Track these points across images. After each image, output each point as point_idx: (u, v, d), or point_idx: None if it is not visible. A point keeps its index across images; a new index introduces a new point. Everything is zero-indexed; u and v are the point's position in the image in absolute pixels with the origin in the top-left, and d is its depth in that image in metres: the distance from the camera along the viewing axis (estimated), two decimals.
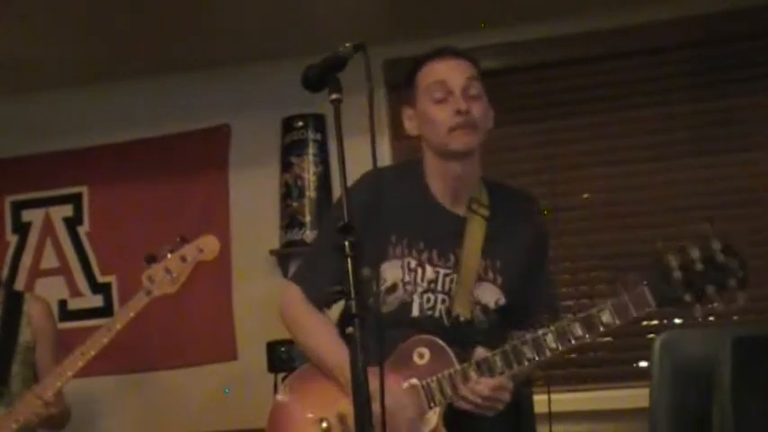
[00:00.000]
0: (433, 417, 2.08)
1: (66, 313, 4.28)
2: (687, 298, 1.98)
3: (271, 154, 4.22)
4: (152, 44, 4.04)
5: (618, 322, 2.02)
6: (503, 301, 2.24)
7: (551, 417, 3.33)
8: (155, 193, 4.36)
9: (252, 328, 4.01)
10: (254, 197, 4.24)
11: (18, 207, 4.53)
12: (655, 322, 3.96)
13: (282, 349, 3.58)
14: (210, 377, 4.14)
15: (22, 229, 4.50)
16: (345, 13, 3.80)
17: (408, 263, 2.20)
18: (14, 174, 4.51)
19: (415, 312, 2.19)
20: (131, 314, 2.73)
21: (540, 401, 3.33)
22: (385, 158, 4.08)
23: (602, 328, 2.03)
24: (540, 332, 2.06)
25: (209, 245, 2.75)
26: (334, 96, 1.76)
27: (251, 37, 4.01)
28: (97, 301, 4.37)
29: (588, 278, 4.05)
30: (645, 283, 2.02)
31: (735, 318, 3.94)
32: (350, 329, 1.65)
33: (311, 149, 4.13)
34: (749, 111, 3.93)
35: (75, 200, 4.47)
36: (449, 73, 2.22)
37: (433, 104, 2.22)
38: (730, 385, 2.15)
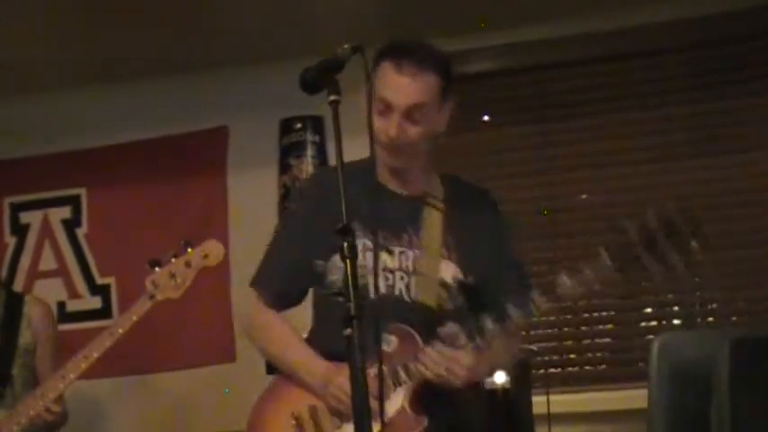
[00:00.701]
0: (398, 397, 2.10)
1: (64, 315, 4.27)
2: (644, 255, 1.99)
3: (269, 155, 4.22)
4: (151, 45, 4.04)
5: (578, 288, 2.04)
6: (460, 275, 2.24)
7: (550, 418, 3.35)
8: (153, 194, 4.35)
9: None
10: (252, 198, 4.24)
11: (16, 209, 4.53)
12: (653, 323, 3.97)
13: None
14: (209, 379, 4.14)
15: (20, 230, 4.50)
16: (344, 14, 3.80)
17: (365, 244, 2.18)
18: (13, 175, 4.51)
19: (372, 294, 2.14)
20: (134, 318, 2.74)
21: (538, 403, 3.35)
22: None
23: (562, 295, 2.05)
24: (502, 302, 2.08)
25: (213, 250, 2.75)
26: (332, 98, 1.76)
27: (249, 38, 4.01)
28: (96, 302, 4.37)
29: None
30: (604, 248, 2.04)
31: (733, 319, 3.96)
32: (348, 331, 1.64)
33: (310, 151, 4.13)
34: (747, 112, 3.94)
35: (74, 201, 4.46)
36: (396, 94, 2.15)
37: (376, 112, 2.18)
38: (728, 386, 2.15)
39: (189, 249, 2.72)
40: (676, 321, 3.97)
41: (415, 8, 3.86)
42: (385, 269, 2.21)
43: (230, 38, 4.00)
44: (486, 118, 4.24)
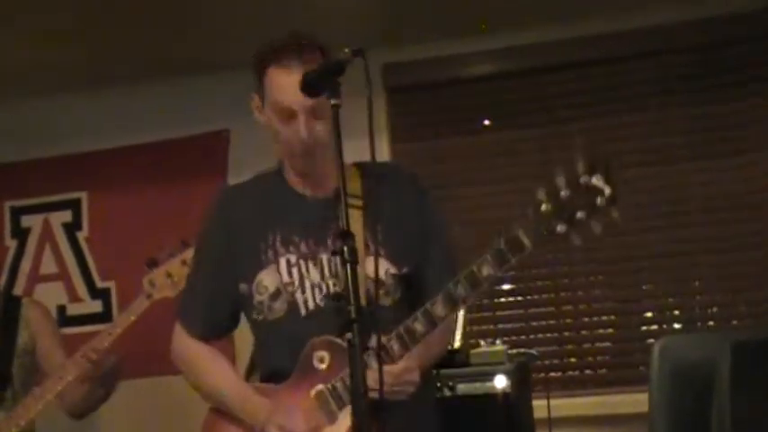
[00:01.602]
0: (345, 417, 2.01)
1: (65, 319, 4.27)
2: (560, 228, 1.91)
3: (270, 159, 4.19)
4: (151, 48, 4.05)
5: (500, 272, 1.96)
6: (393, 269, 2.15)
7: (551, 422, 3.34)
8: (154, 198, 4.36)
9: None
10: None
11: (17, 212, 4.53)
12: (654, 327, 3.98)
13: None
14: None
15: (21, 234, 4.50)
16: (344, 17, 3.80)
17: (288, 260, 2.13)
18: (13, 179, 4.51)
19: (303, 311, 2.12)
20: (132, 318, 2.74)
21: (539, 407, 3.35)
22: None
23: (485, 283, 1.97)
24: (428, 304, 1.99)
25: None
26: (333, 101, 1.76)
27: (250, 41, 3.99)
28: (96, 306, 4.36)
29: (585, 282, 4.06)
30: (518, 223, 1.96)
31: (733, 322, 3.96)
32: (349, 335, 1.64)
33: None
34: (746, 114, 3.94)
35: (75, 205, 4.47)
36: (293, 96, 2.00)
37: (278, 120, 2.13)
38: (729, 389, 2.15)
39: (185, 248, 2.72)
40: (677, 325, 3.97)
41: (416, 13, 3.87)
42: (315, 284, 2.13)
43: (231, 41, 4.00)
44: (485, 121, 4.24)
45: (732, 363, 2.16)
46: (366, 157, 1.77)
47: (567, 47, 4.04)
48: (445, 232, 2.30)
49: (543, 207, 1.94)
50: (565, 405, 3.67)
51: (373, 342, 1.92)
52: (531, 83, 4.16)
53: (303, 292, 2.13)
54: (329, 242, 2.12)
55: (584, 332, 4.03)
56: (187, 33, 3.91)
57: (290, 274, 2.14)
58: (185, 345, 2.30)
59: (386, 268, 2.14)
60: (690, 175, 3.97)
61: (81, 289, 4.40)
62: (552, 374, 3.96)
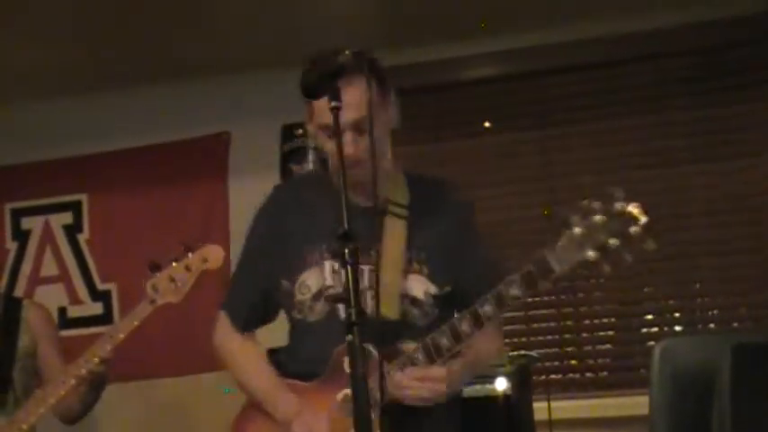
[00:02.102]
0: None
1: (65, 321, 4.27)
2: (590, 255, 1.87)
3: (270, 161, 4.23)
4: (152, 51, 4.05)
5: (527, 293, 1.95)
6: (433, 290, 2.17)
7: (551, 424, 3.34)
8: (154, 200, 4.36)
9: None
10: (253, 204, 4.21)
11: (18, 214, 4.53)
12: (654, 329, 3.97)
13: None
14: (210, 385, 4.13)
15: (21, 236, 4.50)
16: (345, 20, 3.80)
17: (333, 266, 2.16)
18: (14, 181, 4.51)
19: (343, 314, 2.15)
20: (135, 323, 2.73)
21: (539, 409, 3.35)
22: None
23: (512, 303, 1.97)
24: (455, 319, 2.01)
25: (213, 254, 2.74)
26: (333, 104, 1.76)
27: (251, 44, 4.02)
28: (97, 308, 4.36)
29: (586, 285, 4.05)
30: (548, 246, 1.93)
31: (734, 324, 3.96)
32: (349, 337, 1.64)
33: (311, 157, 4.13)
34: (747, 117, 3.94)
35: (75, 207, 4.47)
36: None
37: (323, 136, 2.15)
38: (730, 392, 2.15)
39: (189, 253, 2.72)
40: (677, 327, 3.97)
41: (416, 15, 3.87)
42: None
43: (232, 44, 4.01)
44: (486, 124, 4.24)
45: (733, 365, 2.16)
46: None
47: (568, 49, 4.04)
48: (488, 253, 2.33)
49: (576, 231, 1.90)
50: (565, 407, 3.67)
51: (403, 349, 2.02)
52: (532, 85, 4.16)
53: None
54: (372, 254, 2.12)
55: (584, 334, 4.03)
56: (188, 36, 3.92)
57: (333, 276, 2.16)
58: (226, 337, 2.35)
59: (425, 288, 2.18)
60: (691, 177, 3.97)
61: (82, 291, 4.40)
62: (553, 377, 3.96)
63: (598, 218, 1.88)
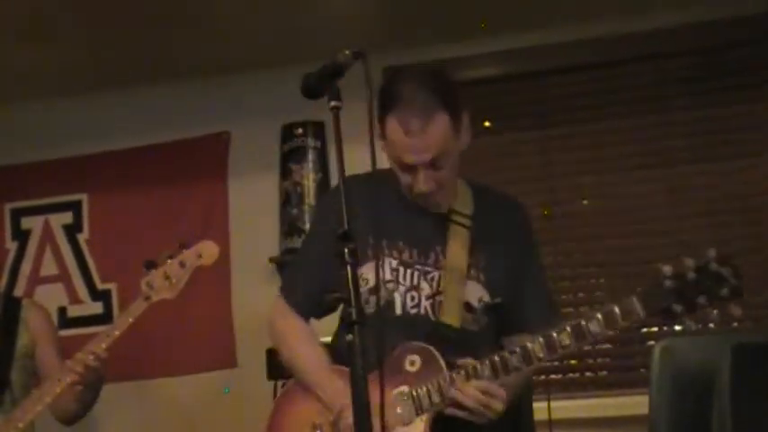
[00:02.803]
0: (420, 424, 2.07)
1: (65, 320, 4.28)
2: (677, 308, 1.94)
3: (270, 161, 4.23)
4: (152, 51, 4.05)
5: (607, 332, 1.99)
6: (487, 297, 2.22)
7: (551, 423, 3.34)
8: (154, 200, 4.36)
9: (251, 336, 4.01)
10: (253, 204, 4.24)
11: (18, 214, 4.53)
12: (654, 329, 3.97)
13: None
14: (210, 384, 4.14)
15: (21, 236, 4.50)
16: (345, 20, 3.81)
17: (390, 263, 2.20)
18: (14, 181, 4.52)
19: (398, 310, 2.19)
20: (130, 320, 2.73)
21: (539, 408, 3.34)
22: (384, 165, 4.06)
23: (590, 338, 2.00)
24: (529, 343, 2.04)
25: (207, 250, 2.74)
26: (333, 104, 1.76)
27: (250, 44, 4.02)
28: (97, 308, 4.37)
29: (587, 285, 4.06)
30: (636, 292, 1.98)
31: (734, 325, 3.96)
32: (350, 336, 1.64)
33: (311, 157, 4.13)
34: (747, 118, 3.94)
35: (75, 207, 4.47)
36: (414, 155, 2.10)
37: (397, 166, 2.19)
38: (730, 392, 2.15)
39: (183, 250, 2.72)
40: (677, 327, 3.96)
41: (416, 15, 3.87)
42: (410, 289, 2.20)
43: (232, 43, 4.01)
44: (486, 124, 4.24)
45: (733, 365, 2.16)
46: (366, 159, 1.77)
47: (567, 50, 4.04)
48: (546, 275, 2.38)
49: (667, 283, 1.94)
50: (565, 407, 3.67)
51: (463, 364, 2.04)
52: (532, 85, 4.16)
53: (399, 292, 2.19)
54: (432, 256, 2.20)
55: None
56: (188, 36, 3.92)
57: (392, 272, 2.19)
58: (283, 319, 2.35)
59: (479, 295, 2.22)
60: (691, 177, 3.97)
61: (81, 291, 4.40)
62: (553, 376, 3.96)
63: (691, 275, 1.93)
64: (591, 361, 4.02)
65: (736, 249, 3.89)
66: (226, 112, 4.34)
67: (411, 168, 2.13)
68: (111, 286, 4.36)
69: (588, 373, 4.00)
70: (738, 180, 3.91)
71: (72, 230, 4.46)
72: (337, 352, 2.28)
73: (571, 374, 4.00)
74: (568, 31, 4.01)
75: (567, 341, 2.00)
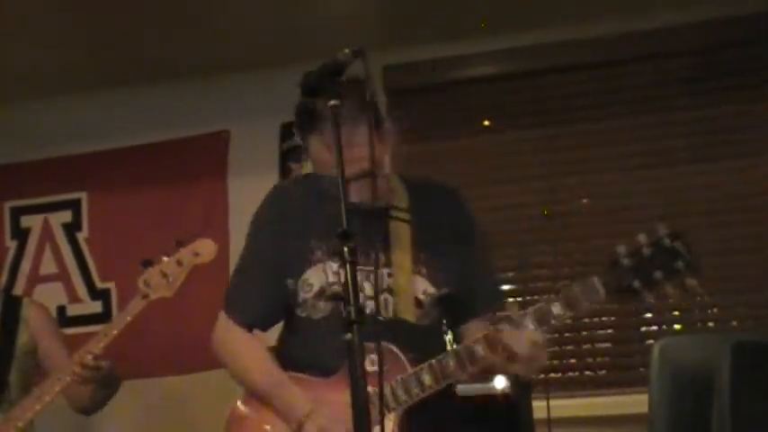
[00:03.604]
0: (388, 423, 2.03)
1: (65, 319, 4.27)
2: (636, 284, 1.96)
3: (270, 160, 4.23)
4: (151, 50, 4.05)
5: (569, 313, 2.01)
6: (432, 290, 2.18)
7: (550, 422, 3.34)
8: (154, 198, 4.36)
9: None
10: (253, 203, 4.19)
11: (17, 213, 4.53)
12: (654, 328, 3.97)
13: None
14: (209, 383, 4.13)
15: (20, 234, 4.50)
16: (344, 19, 3.81)
17: (331, 266, 2.16)
18: (13, 179, 4.52)
19: (344, 313, 2.15)
20: (128, 318, 2.73)
21: (538, 407, 3.34)
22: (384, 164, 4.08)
23: (553, 321, 2.01)
24: (492, 329, 2.03)
25: (205, 248, 2.74)
26: (332, 102, 1.76)
27: (250, 43, 4.02)
28: (96, 307, 4.36)
29: None
30: (596, 272, 2.01)
31: (733, 324, 3.96)
32: (348, 336, 1.64)
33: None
34: (746, 117, 3.94)
35: (74, 206, 4.47)
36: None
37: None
38: (729, 391, 2.15)
39: (180, 248, 2.72)
40: (677, 326, 3.97)
41: (416, 14, 3.87)
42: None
43: (231, 42, 4.01)
44: (486, 123, 4.24)
45: (732, 364, 2.16)
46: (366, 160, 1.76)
47: (567, 49, 4.04)
48: (489, 258, 2.35)
49: (624, 261, 1.98)
50: (564, 406, 3.67)
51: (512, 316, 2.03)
52: (531, 85, 4.16)
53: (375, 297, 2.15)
54: (372, 255, 2.14)
55: (583, 333, 4.02)
56: (187, 35, 3.92)
57: (335, 276, 2.16)
58: (229, 334, 2.30)
59: (424, 288, 2.18)
60: (690, 177, 3.97)
61: (81, 289, 4.40)
62: (552, 375, 3.96)
63: (645, 251, 1.97)
64: (590, 360, 4.02)
65: (736, 249, 3.90)
66: (225, 110, 4.34)
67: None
68: (111, 285, 4.36)
69: (587, 372, 4.00)
70: (738, 180, 3.91)
71: (71, 229, 4.46)
72: (283, 356, 2.24)
73: (570, 373, 4.00)
74: (568, 30, 4.01)
75: (530, 326, 2.02)
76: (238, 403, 2.27)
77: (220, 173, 4.31)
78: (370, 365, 2.06)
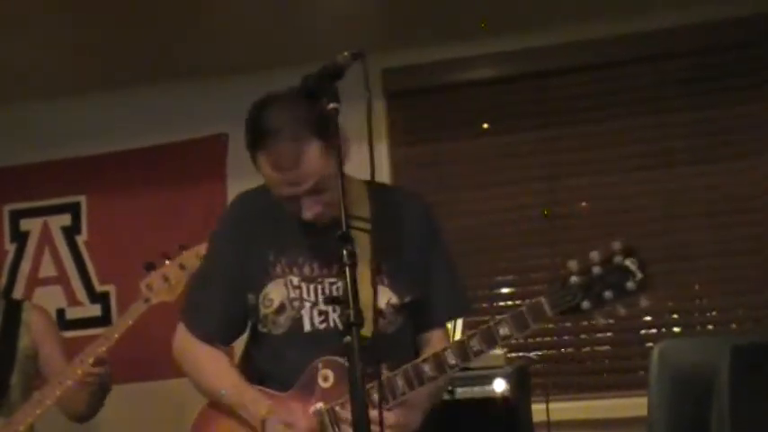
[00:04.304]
0: None
1: (64, 322, 4.26)
2: (585, 305, 1.93)
3: None
4: (150, 53, 4.05)
5: (516, 334, 1.97)
6: (395, 300, 2.14)
7: (549, 425, 3.34)
8: (153, 201, 4.36)
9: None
10: None
11: (16, 216, 4.53)
12: (653, 331, 3.97)
13: None
14: None
15: (20, 238, 4.50)
16: (343, 22, 3.81)
17: (291, 280, 2.12)
18: (13, 182, 4.51)
19: (308, 327, 2.11)
20: (130, 322, 2.73)
21: (538, 410, 3.35)
22: (383, 167, 4.09)
23: (499, 341, 1.98)
24: (440, 350, 2.00)
25: None
26: (331, 105, 1.75)
27: (249, 46, 4.02)
28: (95, 310, 4.36)
29: None
30: (545, 292, 1.96)
31: (733, 326, 3.96)
32: (347, 339, 1.63)
33: None
34: (746, 119, 3.94)
35: (74, 209, 4.47)
36: (291, 188, 2.02)
37: (277, 197, 2.09)
38: (729, 393, 2.15)
39: (183, 252, 2.72)
40: (676, 329, 3.97)
41: (416, 16, 3.87)
42: (315, 305, 2.11)
43: (230, 45, 4.01)
44: (485, 125, 4.25)
45: (731, 366, 2.16)
46: (364, 160, 1.76)
47: (566, 51, 4.04)
48: (454, 265, 2.29)
49: (573, 279, 1.93)
50: (564, 409, 3.67)
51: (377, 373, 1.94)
52: (530, 87, 4.16)
53: (306, 309, 2.12)
54: (335, 267, 2.10)
55: (583, 336, 4.02)
56: (186, 37, 3.92)
57: (295, 290, 2.13)
58: (189, 344, 2.26)
59: (387, 298, 2.14)
60: (690, 178, 3.97)
61: (80, 293, 4.40)
62: (551, 378, 3.96)
63: (596, 270, 1.92)
64: (589, 362, 4.02)
65: (736, 251, 3.90)
66: (224, 113, 4.31)
67: (292, 197, 2.04)
68: (110, 288, 4.36)
69: (587, 375, 4.00)
70: (737, 181, 3.91)
71: (71, 232, 4.46)
72: (247, 370, 2.22)
73: (570, 376, 4.00)
74: (568, 32, 4.01)
75: (477, 346, 1.98)
76: (206, 405, 2.25)
77: (220, 175, 4.31)
78: (323, 381, 2.07)
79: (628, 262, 1.91)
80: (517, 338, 1.99)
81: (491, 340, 1.98)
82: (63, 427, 3.04)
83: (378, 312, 2.03)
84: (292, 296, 2.13)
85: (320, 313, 2.12)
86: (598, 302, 1.92)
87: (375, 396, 1.81)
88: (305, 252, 2.14)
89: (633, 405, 3.19)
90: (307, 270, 2.14)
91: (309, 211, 2.04)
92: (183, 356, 2.29)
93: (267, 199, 2.18)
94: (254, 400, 2.09)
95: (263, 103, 2.14)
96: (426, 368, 2.01)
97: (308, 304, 2.12)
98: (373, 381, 1.83)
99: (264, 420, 2.04)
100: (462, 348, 1.99)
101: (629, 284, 1.91)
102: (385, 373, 2.00)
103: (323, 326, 2.11)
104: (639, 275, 1.91)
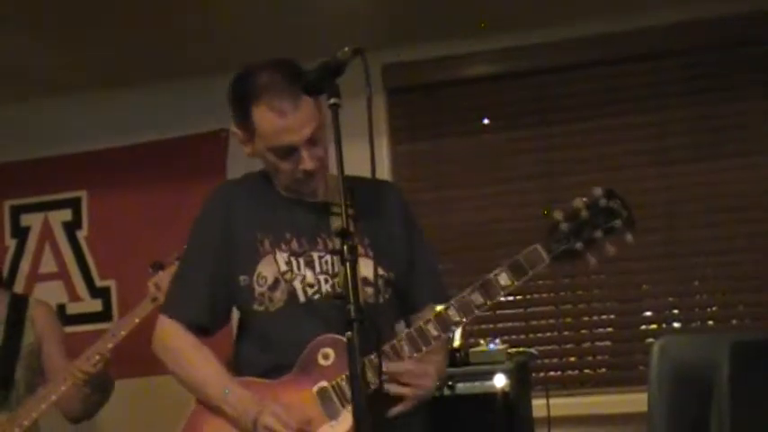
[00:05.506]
0: (348, 415, 2.00)
1: (64, 318, 4.27)
2: (578, 246, 2.03)
3: None
4: (151, 50, 4.05)
5: (516, 282, 2.04)
6: (381, 271, 2.15)
7: (550, 421, 3.35)
8: (153, 197, 4.36)
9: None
10: None
11: (17, 211, 4.53)
12: (653, 327, 3.98)
13: None
14: None
15: (20, 233, 4.50)
16: (344, 18, 3.80)
17: (282, 256, 2.14)
18: (13, 178, 4.51)
19: (302, 299, 2.12)
20: (136, 320, 2.74)
21: (538, 406, 3.35)
22: (384, 163, 4.09)
23: (501, 291, 2.04)
24: (442, 308, 2.04)
25: None
26: (332, 101, 1.75)
27: (249, 42, 4.01)
28: (96, 305, 4.37)
29: (586, 281, 4.06)
30: (539, 240, 2.06)
31: (733, 322, 3.97)
32: (349, 334, 1.64)
33: None
34: (747, 116, 3.94)
35: (74, 204, 4.47)
36: (292, 135, 2.05)
37: (275, 156, 2.11)
38: (729, 390, 2.15)
39: None
40: (676, 324, 3.98)
41: (416, 13, 3.87)
42: (307, 281, 2.13)
43: (229, 42, 4.01)
44: (485, 121, 4.25)
45: (732, 363, 2.16)
46: (365, 155, 1.76)
47: (567, 48, 4.04)
48: (432, 254, 2.35)
49: (563, 226, 2.05)
50: (564, 404, 3.68)
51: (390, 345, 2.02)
52: (531, 83, 4.16)
53: (298, 280, 2.13)
54: (320, 241, 2.15)
55: (583, 331, 4.03)
56: (187, 35, 3.91)
57: (285, 264, 2.14)
58: (174, 338, 2.24)
59: (375, 268, 2.12)
60: (690, 176, 3.97)
61: (81, 288, 4.40)
62: (552, 374, 3.97)
63: (584, 213, 2.05)
64: (590, 358, 4.03)
65: (736, 248, 3.90)
66: (224, 110, 4.29)
67: (291, 152, 2.07)
68: (111, 283, 4.36)
69: (587, 371, 4.01)
70: (738, 178, 3.91)
71: (71, 228, 4.46)
72: (239, 363, 2.22)
73: (570, 372, 4.01)
74: (567, 29, 4.01)
75: (480, 300, 2.04)
76: (196, 405, 2.24)
77: (219, 171, 4.31)
78: (323, 359, 2.07)
79: (612, 203, 2.05)
80: (514, 287, 2.05)
81: (492, 292, 2.04)
82: (68, 424, 3.04)
83: (364, 281, 2.09)
84: (284, 269, 2.14)
85: (311, 285, 2.13)
86: (590, 243, 2.03)
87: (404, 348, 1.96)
88: (290, 227, 2.17)
89: (633, 401, 3.20)
90: (295, 245, 2.16)
91: (311, 161, 2.08)
92: (165, 348, 2.27)
93: (248, 185, 2.24)
94: (243, 399, 2.09)
95: (250, 68, 2.21)
96: (430, 327, 2.03)
97: (299, 277, 2.14)
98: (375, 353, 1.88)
99: (256, 419, 2.03)
100: (465, 303, 2.03)
101: (617, 222, 2.04)
102: (389, 343, 2.03)
103: (316, 296, 2.13)
104: (625, 213, 2.05)
